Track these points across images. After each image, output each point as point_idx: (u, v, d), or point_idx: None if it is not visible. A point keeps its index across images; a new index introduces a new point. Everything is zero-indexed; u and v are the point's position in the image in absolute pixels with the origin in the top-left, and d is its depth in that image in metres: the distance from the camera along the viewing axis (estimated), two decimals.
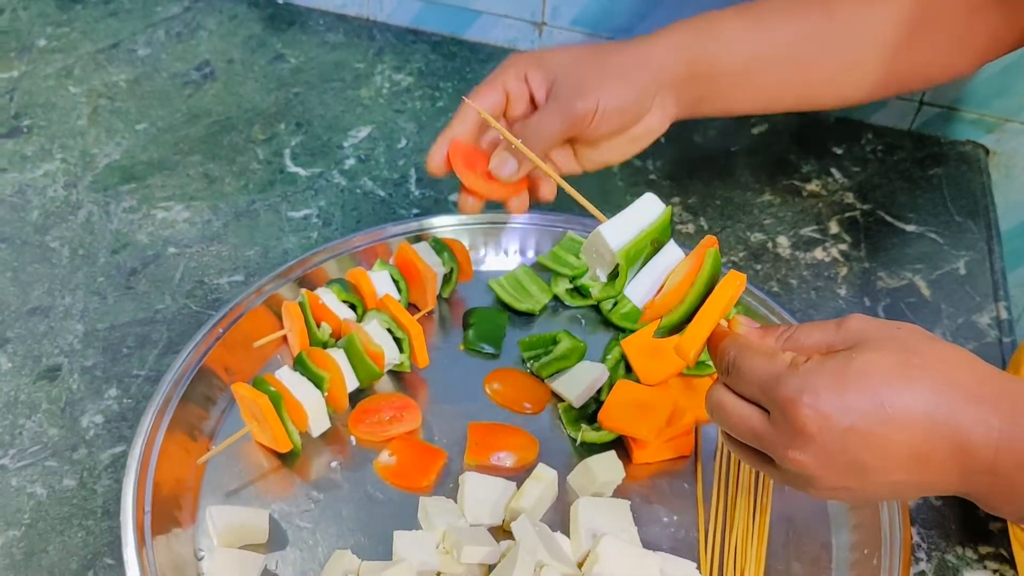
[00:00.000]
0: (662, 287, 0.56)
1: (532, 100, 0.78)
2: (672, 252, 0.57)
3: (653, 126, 0.78)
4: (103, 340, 0.82)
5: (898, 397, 0.48)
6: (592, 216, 0.61)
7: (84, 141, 1.03)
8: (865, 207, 0.98)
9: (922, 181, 1.02)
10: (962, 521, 0.72)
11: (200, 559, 0.67)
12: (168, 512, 0.68)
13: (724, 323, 0.55)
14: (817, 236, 0.95)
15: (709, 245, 0.55)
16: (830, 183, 1.01)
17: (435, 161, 0.77)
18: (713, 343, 0.55)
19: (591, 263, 0.59)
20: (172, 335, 0.83)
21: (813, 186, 1.01)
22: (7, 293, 0.86)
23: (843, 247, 0.94)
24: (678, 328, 0.55)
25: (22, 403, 0.77)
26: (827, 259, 0.93)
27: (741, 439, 0.53)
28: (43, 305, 0.85)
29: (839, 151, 1.06)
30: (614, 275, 0.57)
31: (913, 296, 0.89)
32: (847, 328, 0.52)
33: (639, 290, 0.57)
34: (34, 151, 1.01)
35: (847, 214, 0.98)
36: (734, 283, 0.54)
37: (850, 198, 0.99)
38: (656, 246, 0.57)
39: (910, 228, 0.96)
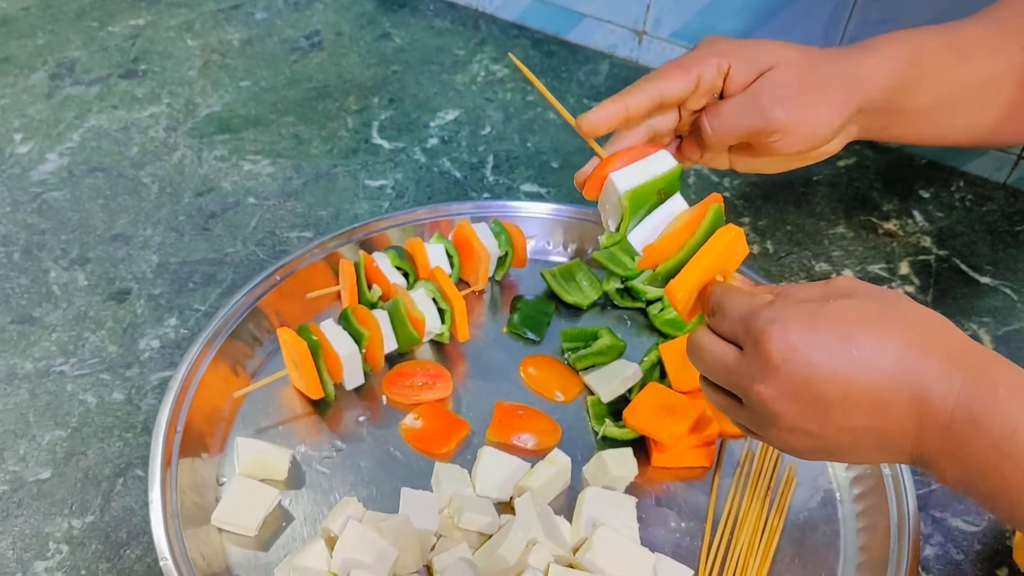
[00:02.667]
0: (663, 233, 0.58)
1: (721, 95, 0.68)
2: (677, 203, 0.59)
3: (831, 149, 0.71)
4: (173, 273, 0.87)
5: (868, 341, 0.48)
6: None
7: (191, 90, 1.09)
8: (941, 252, 0.96)
9: (1007, 236, 0.98)
10: None
11: (221, 484, 0.71)
12: (199, 437, 0.72)
13: (720, 279, 0.56)
14: (885, 275, 0.93)
15: (714, 201, 0.56)
16: (909, 224, 0.99)
17: (595, 119, 0.63)
18: (704, 291, 0.56)
19: (603, 215, 0.61)
20: (236, 278, 0.87)
21: (891, 225, 0.99)
22: (95, 218, 0.92)
23: (910, 289, 0.92)
24: (673, 275, 0.56)
25: (90, 319, 0.83)
26: None
27: (713, 377, 0.54)
28: (125, 233, 0.91)
29: (926, 195, 1.03)
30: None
31: None
32: (834, 284, 0.52)
33: (641, 235, 0.58)
34: (144, 94, 1.08)
35: (921, 257, 0.95)
36: (729, 233, 0.55)
37: (927, 242, 0.97)
38: (663, 196, 0.59)
39: (984, 280, 0.93)
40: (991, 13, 0.72)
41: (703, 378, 0.56)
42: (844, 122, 0.67)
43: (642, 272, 0.85)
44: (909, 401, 0.48)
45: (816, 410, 0.49)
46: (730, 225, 0.56)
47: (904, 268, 0.94)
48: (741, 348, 0.52)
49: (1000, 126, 0.73)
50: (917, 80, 0.68)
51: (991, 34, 0.71)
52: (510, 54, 0.74)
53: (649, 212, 0.59)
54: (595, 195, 0.61)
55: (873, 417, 0.49)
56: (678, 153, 0.70)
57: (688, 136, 0.70)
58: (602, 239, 0.60)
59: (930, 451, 0.49)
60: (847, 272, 0.93)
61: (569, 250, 0.91)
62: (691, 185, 1.01)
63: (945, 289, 0.92)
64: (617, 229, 0.59)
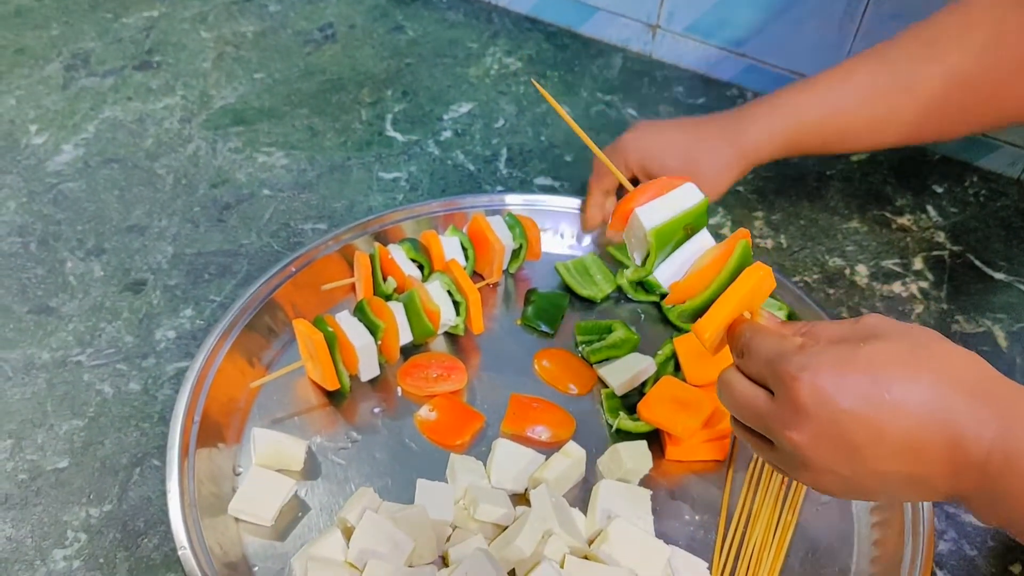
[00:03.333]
0: (690, 270, 0.57)
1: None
2: (704, 239, 0.58)
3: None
4: (188, 264, 0.88)
5: (899, 385, 0.47)
6: None
7: (205, 82, 1.09)
8: (955, 248, 0.96)
9: (1021, 231, 0.98)
10: (994, 574, 0.70)
11: (237, 475, 0.71)
12: (216, 427, 0.72)
13: (747, 315, 0.55)
14: (899, 270, 0.93)
15: (741, 237, 0.55)
16: (923, 220, 0.99)
17: (596, 220, 0.89)
18: (732, 329, 0.55)
19: (630, 247, 0.60)
20: (251, 269, 0.87)
21: (904, 220, 0.99)
22: (111, 209, 0.92)
23: (924, 284, 0.92)
24: (700, 312, 0.55)
25: (106, 309, 0.83)
26: (904, 294, 0.91)
27: (744, 420, 0.53)
28: (141, 224, 0.91)
29: (939, 190, 1.03)
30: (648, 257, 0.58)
31: (988, 345, 0.86)
32: (863, 323, 0.52)
33: (667, 271, 0.58)
34: (159, 85, 1.08)
35: (934, 252, 0.95)
36: (757, 273, 0.54)
37: (941, 237, 0.97)
38: (689, 232, 0.58)
39: (999, 276, 0.93)
40: (884, 51, 0.80)
41: (733, 418, 0.56)
42: (729, 179, 0.83)
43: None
44: (942, 444, 0.48)
45: (848, 455, 0.49)
46: (758, 264, 0.55)
47: (918, 263, 0.94)
48: (771, 391, 0.52)
49: (870, 135, 0.82)
50: (802, 134, 0.81)
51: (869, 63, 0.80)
52: (533, 80, 0.78)
53: (676, 248, 0.58)
54: (620, 228, 0.61)
55: (906, 461, 0.48)
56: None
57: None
58: (628, 273, 0.60)
59: (965, 491, 0.49)
60: (860, 268, 0.93)
61: (583, 243, 0.91)
62: None
63: (959, 285, 0.92)
64: (643, 264, 0.59)
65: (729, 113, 0.83)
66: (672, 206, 0.57)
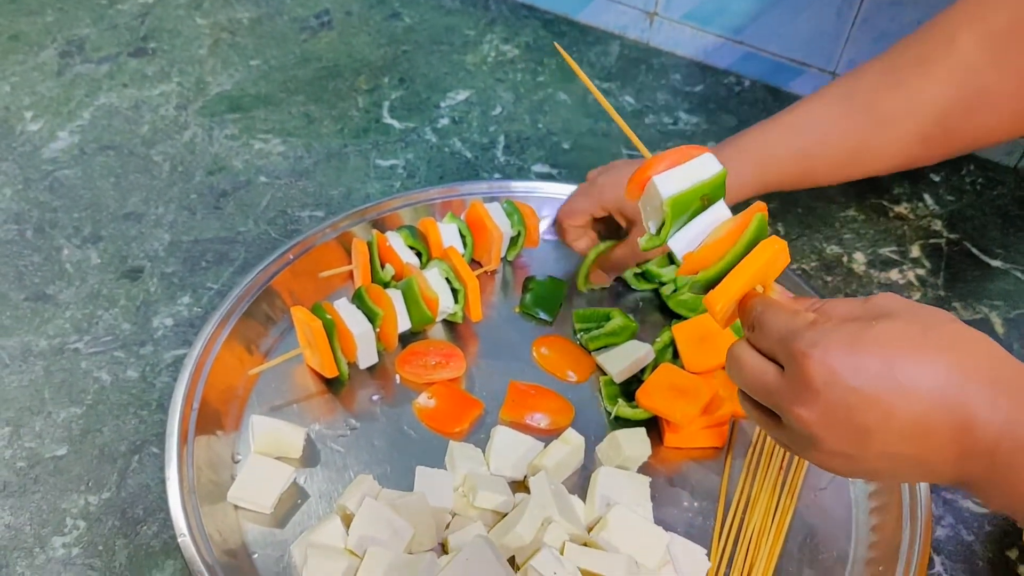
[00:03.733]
0: (705, 241, 0.57)
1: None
2: (720, 210, 0.57)
3: None
4: (185, 251, 0.87)
5: (910, 366, 0.47)
6: None
7: (201, 69, 1.09)
8: (952, 236, 0.96)
9: (1018, 219, 0.99)
10: (991, 560, 0.70)
11: (236, 462, 0.71)
12: (214, 414, 0.72)
13: (760, 288, 0.55)
14: (896, 258, 0.93)
15: (758, 210, 0.55)
16: (920, 208, 0.99)
17: (582, 245, 0.86)
18: (744, 303, 0.55)
19: (645, 216, 0.60)
20: (248, 256, 0.87)
21: (901, 208, 0.99)
22: (107, 196, 0.92)
23: (921, 272, 0.92)
24: (712, 284, 0.55)
25: (103, 296, 0.83)
26: (902, 281, 0.91)
27: (753, 394, 0.53)
28: (137, 212, 0.91)
29: (936, 178, 1.03)
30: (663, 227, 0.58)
31: (985, 331, 0.86)
32: (876, 301, 0.51)
33: (682, 241, 0.57)
34: (154, 72, 1.08)
35: (932, 240, 0.95)
36: (773, 246, 0.53)
37: (938, 225, 0.97)
38: (706, 202, 0.57)
39: (995, 263, 0.93)
40: (845, 83, 0.78)
41: (742, 392, 0.56)
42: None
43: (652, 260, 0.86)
44: (951, 428, 0.47)
45: (856, 435, 0.49)
46: (774, 237, 0.54)
47: (915, 251, 0.94)
48: (781, 366, 0.51)
49: (841, 168, 0.80)
50: (772, 178, 0.79)
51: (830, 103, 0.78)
52: (556, 44, 0.75)
53: (691, 218, 0.57)
54: (637, 196, 0.60)
55: (914, 443, 0.48)
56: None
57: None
58: (642, 241, 0.59)
59: (973, 476, 0.49)
60: (858, 256, 0.93)
61: None
62: None
63: (956, 272, 0.92)
64: (658, 233, 0.58)
65: None
66: (690, 176, 0.57)
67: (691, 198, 0.56)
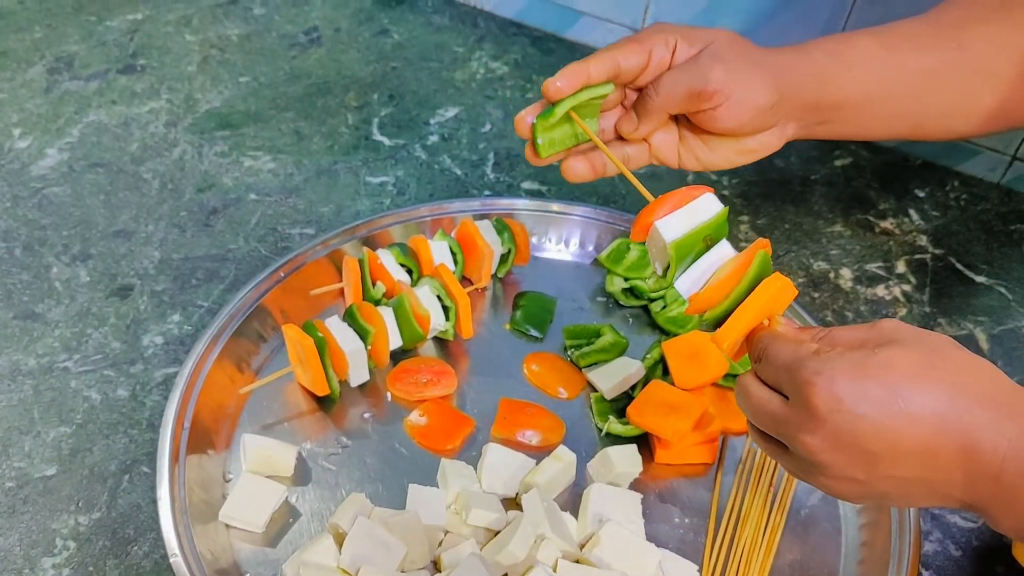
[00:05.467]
0: (710, 281, 0.58)
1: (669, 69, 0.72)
2: (724, 249, 0.58)
3: (770, 143, 0.75)
4: (175, 269, 0.87)
5: (914, 393, 0.48)
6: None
7: (190, 86, 1.09)
8: (937, 251, 0.97)
9: (1002, 235, 1.00)
10: (979, 575, 0.71)
11: (228, 481, 0.71)
12: (206, 433, 0.72)
13: (766, 322, 0.56)
14: (882, 273, 0.94)
15: (761, 247, 0.56)
16: (905, 223, 1.00)
17: (562, 85, 0.68)
18: (751, 337, 0.56)
19: (651, 257, 0.61)
20: (239, 274, 0.87)
21: (887, 224, 1.00)
22: (97, 214, 0.92)
23: (907, 288, 0.93)
24: (720, 322, 0.56)
25: (93, 315, 0.83)
26: (888, 297, 0.92)
27: (759, 424, 0.54)
28: (127, 229, 0.91)
29: (921, 194, 1.04)
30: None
31: (970, 347, 0.87)
32: (880, 329, 0.52)
33: (687, 282, 0.58)
34: (143, 89, 1.08)
35: (917, 256, 0.96)
36: (776, 283, 0.54)
37: (923, 241, 0.98)
38: (709, 243, 0.58)
39: (980, 279, 0.94)
40: (933, 12, 0.74)
41: (750, 423, 0.56)
42: (776, 105, 0.71)
43: (641, 274, 0.86)
44: (956, 452, 0.48)
45: (863, 461, 0.49)
46: (777, 274, 0.55)
47: (901, 267, 0.95)
48: (787, 396, 0.52)
49: (947, 122, 0.75)
50: (840, 73, 0.72)
51: (924, 31, 0.73)
52: (571, 111, 0.69)
53: (696, 259, 0.59)
54: (641, 239, 0.61)
55: (921, 468, 0.49)
56: (617, 126, 0.75)
57: (628, 109, 0.75)
58: (650, 282, 0.61)
59: (981, 500, 0.49)
60: (845, 272, 0.94)
61: (571, 247, 0.91)
62: (690, 183, 1.02)
63: (941, 288, 0.93)
64: (664, 274, 0.60)
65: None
66: (692, 218, 0.58)
67: (694, 240, 0.58)
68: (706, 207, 0.60)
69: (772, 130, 0.74)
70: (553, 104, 0.67)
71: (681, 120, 0.75)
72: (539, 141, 0.69)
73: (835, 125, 0.76)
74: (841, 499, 0.54)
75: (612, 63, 0.69)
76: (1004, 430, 0.47)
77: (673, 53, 0.71)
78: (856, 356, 0.49)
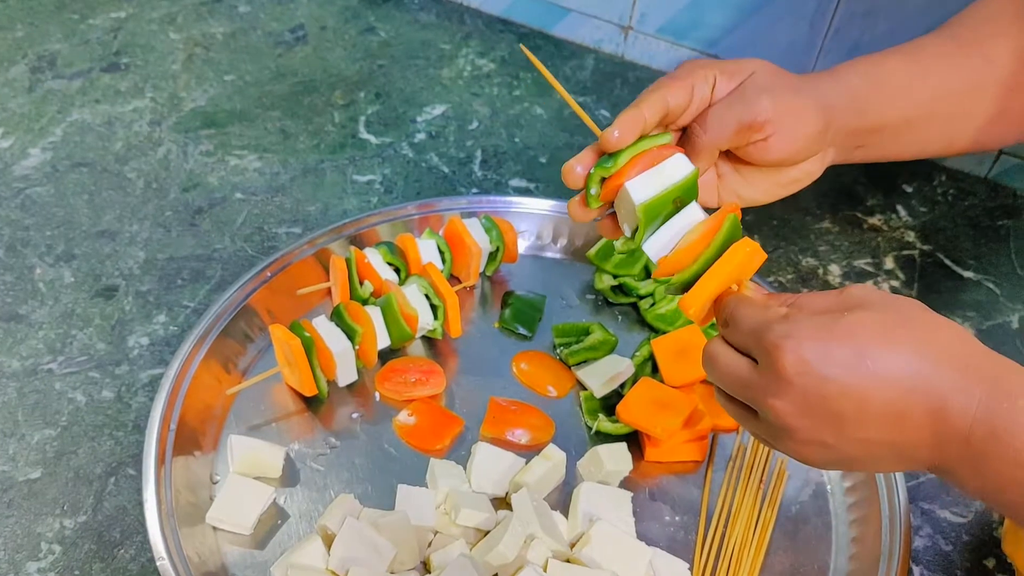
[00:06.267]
0: (679, 244, 0.57)
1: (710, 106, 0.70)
2: (694, 212, 0.58)
3: (812, 171, 0.73)
4: (160, 269, 0.86)
5: (881, 354, 0.48)
6: None
7: (175, 84, 1.08)
8: (925, 247, 0.97)
9: (989, 230, 1.00)
10: (969, 569, 0.71)
11: (215, 483, 0.70)
12: (192, 435, 0.71)
13: (735, 287, 0.55)
14: (870, 269, 0.94)
15: (730, 210, 0.56)
16: (893, 219, 1.00)
17: (621, 136, 0.62)
18: (718, 300, 0.55)
19: (620, 218, 0.60)
20: (225, 274, 0.86)
21: (875, 220, 1.00)
22: (80, 214, 0.91)
23: (895, 283, 0.93)
24: (688, 286, 0.56)
25: (77, 316, 0.82)
26: None
27: (728, 389, 0.54)
28: (111, 229, 0.90)
29: (909, 189, 1.04)
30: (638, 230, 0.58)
31: None
32: (848, 293, 0.52)
33: (656, 245, 0.57)
34: (127, 87, 1.07)
35: (905, 252, 0.96)
36: (745, 248, 0.54)
37: (911, 236, 0.98)
38: (679, 205, 0.58)
39: (968, 274, 0.94)
40: (948, 29, 0.74)
41: (718, 388, 0.56)
42: (822, 132, 0.69)
43: (630, 272, 0.86)
44: (925, 414, 0.48)
45: (831, 424, 0.49)
46: (746, 239, 0.55)
47: (889, 263, 0.95)
48: (755, 360, 0.52)
49: (979, 136, 0.75)
50: (880, 99, 0.71)
51: (951, 49, 0.73)
52: (522, 46, 0.67)
53: (665, 221, 0.58)
54: (610, 199, 0.60)
55: (889, 430, 0.49)
56: None
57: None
58: (617, 244, 0.60)
59: (949, 462, 0.49)
60: (833, 268, 0.94)
61: (559, 245, 0.91)
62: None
63: (929, 283, 0.93)
64: (632, 236, 0.59)
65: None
66: (662, 179, 0.57)
67: (664, 202, 0.57)
68: (677, 168, 0.59)
69: (814, 157, 0.72)
70: (612, 155, 0.61)
71: (719, 157, 0.71)
72: (592, 192, 0.65)
73: (872, 149, 0.75)
74: (810, 465, 0.54)
75: (663, 103, 0.65)
76: (973, 391, 0.47)
77: (712, 88, 0.68)
78: (824, 320, 0.49)
